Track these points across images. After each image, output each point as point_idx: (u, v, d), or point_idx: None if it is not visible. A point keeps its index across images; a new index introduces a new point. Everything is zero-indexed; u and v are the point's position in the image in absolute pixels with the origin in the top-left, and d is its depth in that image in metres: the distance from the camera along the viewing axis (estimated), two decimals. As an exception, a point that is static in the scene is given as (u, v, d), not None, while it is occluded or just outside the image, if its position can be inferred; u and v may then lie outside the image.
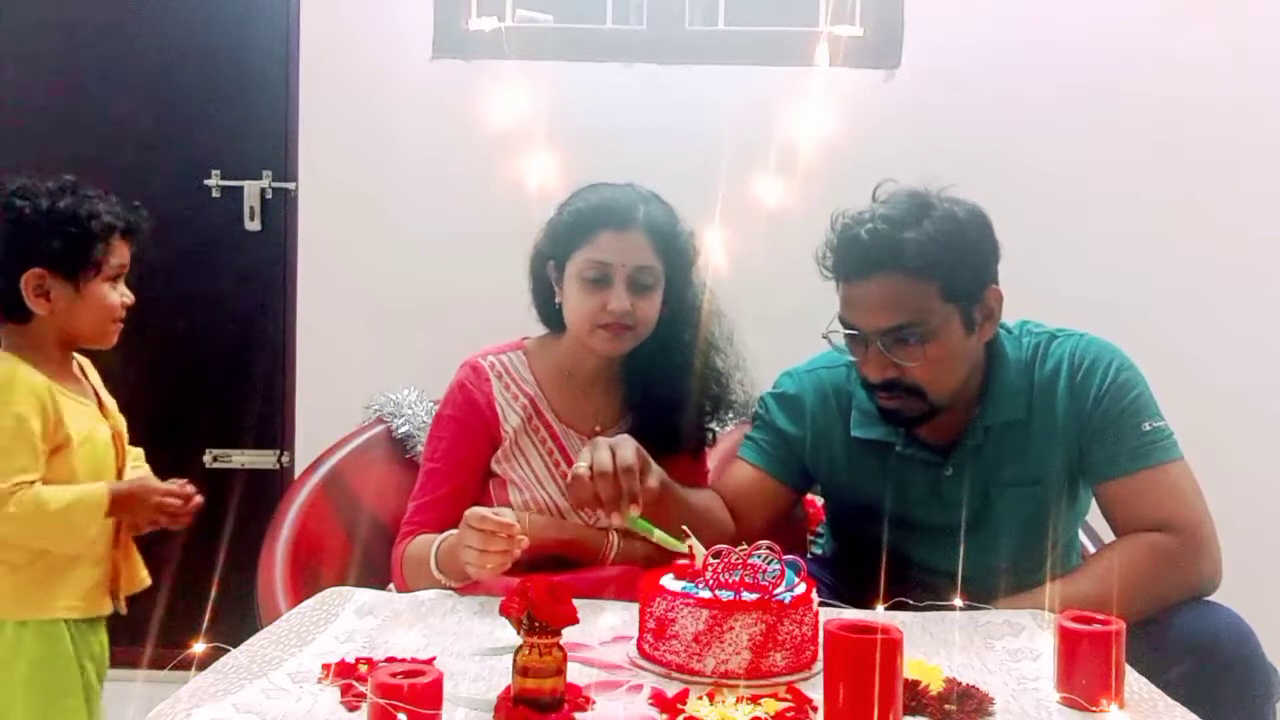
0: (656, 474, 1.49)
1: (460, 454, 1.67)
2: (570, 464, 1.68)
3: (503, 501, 1.66)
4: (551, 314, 1.73)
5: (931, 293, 1.50)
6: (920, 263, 1.48)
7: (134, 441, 1.85)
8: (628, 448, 1.45)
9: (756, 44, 2.58)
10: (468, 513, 1.42)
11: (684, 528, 1.36)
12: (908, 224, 1.50)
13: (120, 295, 1.70)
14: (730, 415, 1.82)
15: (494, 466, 1.68)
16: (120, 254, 1.68)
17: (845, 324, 1.56)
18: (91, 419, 1.71)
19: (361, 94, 2.60)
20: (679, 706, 1.07)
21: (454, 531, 1.50)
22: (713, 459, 1.85)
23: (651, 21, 2.60)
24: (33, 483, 1.57)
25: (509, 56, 2.49)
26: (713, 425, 1.78)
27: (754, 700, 1.08)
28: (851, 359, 1.60)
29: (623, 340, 1.62)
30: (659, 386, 1.69)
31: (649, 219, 1.62)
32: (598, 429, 1.72)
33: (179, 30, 2.74)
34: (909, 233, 1.49)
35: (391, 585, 1.64)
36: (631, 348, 1.64)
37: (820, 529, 1.95)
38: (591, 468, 1.42)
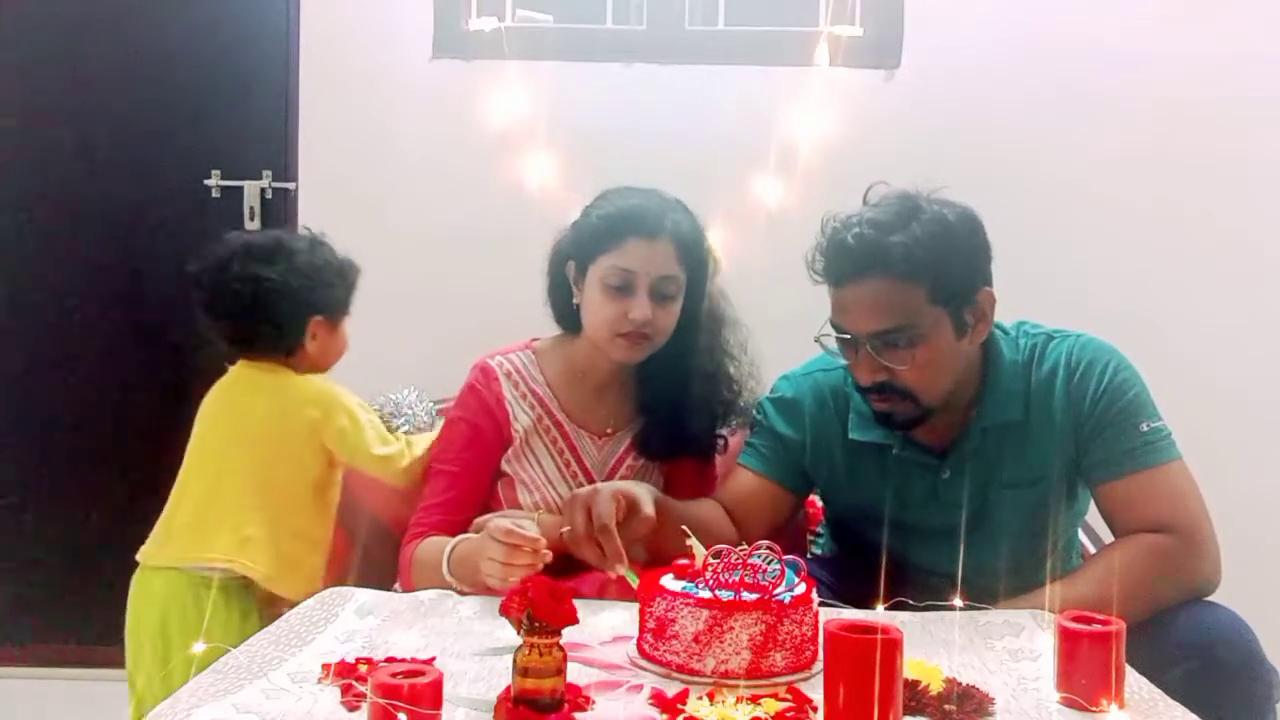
0: (648, 501, 1.46)
1: (471, 456, 1.67)
2: (581, 465, 1.68)
3: (512, 501, 1.66)
4: (567, 314, 1.72)
5: (919, 296, 1.50)
6: (906, 266, 1.48)
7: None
8: (605, 504, 1.41)
9: (756, 44, 2.58)
10: (491, 525, 1.41)
11: (683, 528, 1.36)
12: (895, 228, 1.49)
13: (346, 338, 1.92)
14: (739, 420, 1.81)
15: (504, 466, 1.68)
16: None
17: (836, 327, 1.56)
18: None
19: (361, 94, 2.60)
20: (679, 706, 1.07)
21: (466, 536, 1.50)
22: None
23: (651, 21, 2.60)
24: (401, 454, 1.79)
25: (509, 56, 2.49)
26: (723, 432, 1.77)
27: (754, 700, 1.08)
28: (843, 362, 1.60)
29: (640, 349, 1.62)
30: (672, 391, 1.69)
31: (676, 228, 1.62)
32: (609, 430, 1.72)
33: (179, 30, 2.74)
34: (895, 236, 1.49)
35: (397, 585, 1.63)
36: (648, 355, 1.64)
37: (820, 529, 1.95)
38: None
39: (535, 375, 1.72)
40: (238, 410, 1.81)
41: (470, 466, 1.67)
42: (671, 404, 1.69)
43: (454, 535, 1.58)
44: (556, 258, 1.72)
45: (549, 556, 1.38)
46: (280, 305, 1.78)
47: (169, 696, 1.07)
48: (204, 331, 1.83)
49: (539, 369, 1.72)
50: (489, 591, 1.44)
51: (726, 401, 1.73)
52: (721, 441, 1.78)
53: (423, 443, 1.82)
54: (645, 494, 1.47)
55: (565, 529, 1.42)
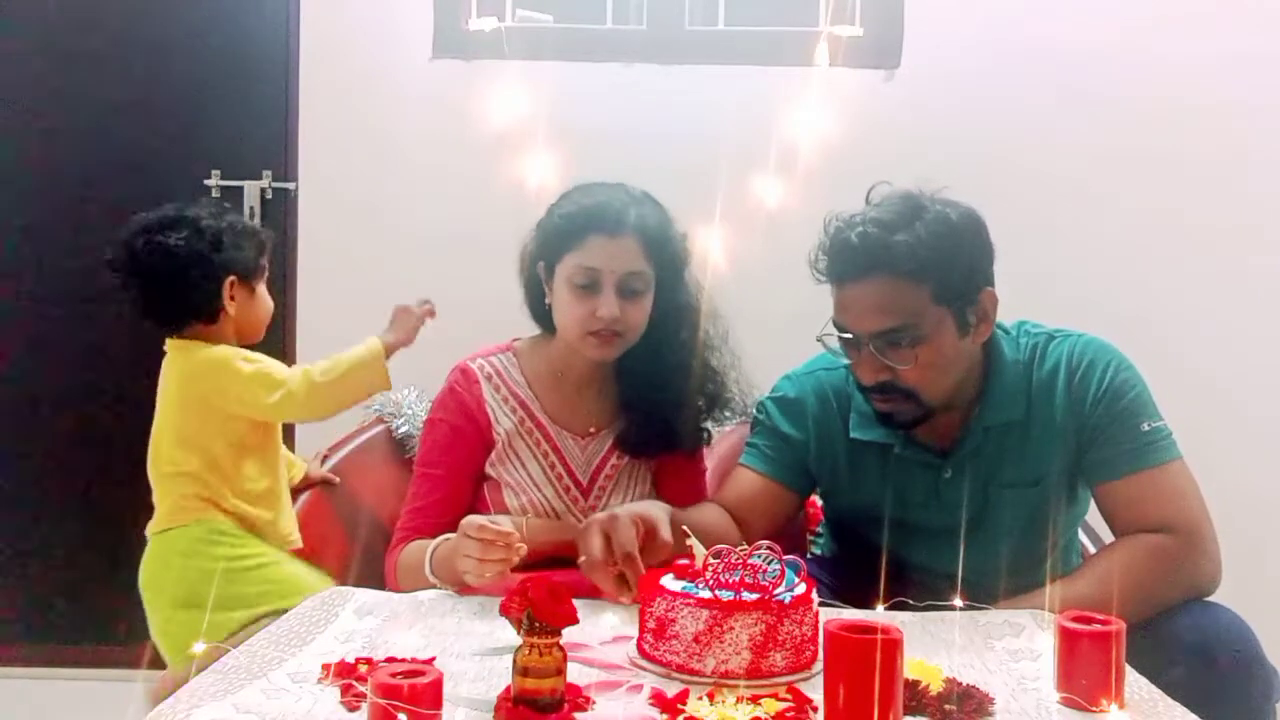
0: (665, 523, 1.43)
1: (453, 458, 1.67)
2: (566, 465, 1.68)
3: (498, 504, 1.65)
4: (543, 314, 1.72)
5: (923, 295, 1.49)
6: (911, 265, 1.48)
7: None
8: (625, 530, 1.38)
9: (756, 44, 2.59)
10: (464, 521, 1.40)
11: (684, 527, 1.36)
12: (899, 227, 1.49)
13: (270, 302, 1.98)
14: (728, 415, 1.80)
15: (488, 470, 1.68)
16: (267, 261, 1.96)
17: (838, 327, 1.56)
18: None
19: (361, 94, 2.60)
20: (679, 706, 1.07)
21: (449, 537, 1.49)
22: (709, 459, 1.84)
23: (651, 21, 2.60)
24: (287, 379, 1.81)
25: (509, 56, 2.49)
26: (708, 425, 1.77)
27: (754, 700, 1.08)
28: (845, 362, 1.60)
29: (612, 346, 1.61)
30: (653, 387, 1.68)
31: (640, 223, 1.60)
32: (592, 430, 1.71)
33: (179, 30, 2.74)
34: (900, 235, 1.49)
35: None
36: (621, 352, 1.64)
37: (820, 529, 1.95)
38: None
39: (516, 377, 1.71)
40: (161, 387, 1.88)
41: (453, 469, 1.66)
42: (653, 400, 1.68)
43: (423, 536, 1.58)
44: (527, 259, 1.71)
45: (523, 550, 1.37)
46: (190, 268, 1.82)
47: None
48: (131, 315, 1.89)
49: (519, 370, 1.72)
50: (470, 591, 1.44)
51: (709, 394, 1.72)
52: (706, 434, 1.77)
53: (323, 365, 1.83)
54: (662, 515, 1.45)
55: (582, 559, 1.40)
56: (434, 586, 1.50)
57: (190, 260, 1.82)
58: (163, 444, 1.85)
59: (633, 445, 1.71)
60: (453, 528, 1.50)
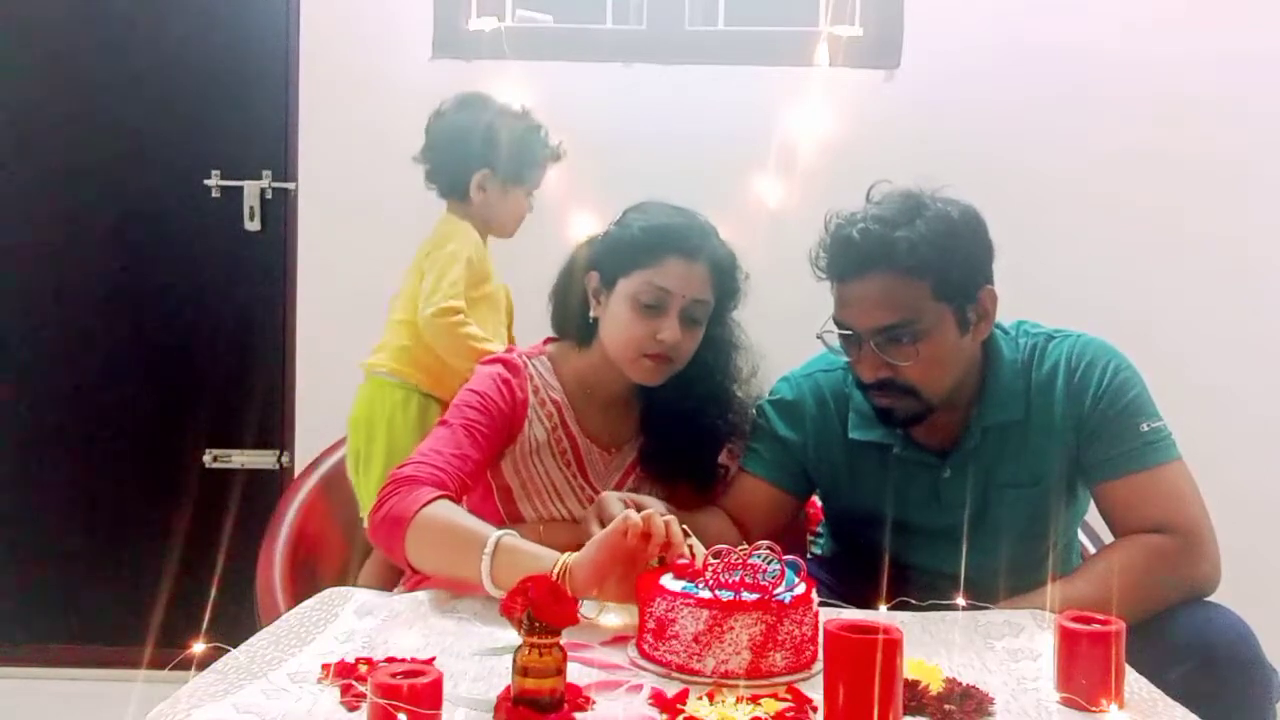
0: (658, 502, 1.44)
1: (487, 428, 1.59)
2: (586, 478, 1.66)
3: (510, 512, 1.63)
4: (575, 326, 1.67)
5: (923, 292, 1.50)
6: (911, 262, 1.48)
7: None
8: (615, 507, 1.39)
9: (756, 44, 2.59)
10: (623, 518, 1.30)
11: (684, 527, 1.36)
12: (899, 224, 1.50)
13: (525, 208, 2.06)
14: (735, 441, 1.76)
15: (507, 476, 1.64)
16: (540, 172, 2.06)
17: (839, 324, 1.56)
18: (496, 278, 2.05)
19: (361, 94, 2.60)
20: (679, 706, 1.07)
21: (508, 531, 1.38)
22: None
23: (651, 21, 2.61)
24: (458, 311, 1.88)
25: (509, 56, 2.49)
26: (724, 461, 1.73)
27: (754, 700, 1.08)
28: (846, 360, 1.60)
29: (662, 372, 1.59)
30: (677, 411, 1.65)
31: (714, 252, 1.59)
32: (616, 445, 1.69)
33: (179, 30, 2.74)
34: (900, 232, 1.49)
35: (400, 586, 1.61)
36: (666, 379, 1.60)
37: (820, 529, 1.95)
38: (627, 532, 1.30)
39: (553, 384, 1.67)
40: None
41: (487, 435, 1.58)
42: (678, 424, 1.65)
43: (451, 492, 1.47)
44: (576, 268, 1.66)
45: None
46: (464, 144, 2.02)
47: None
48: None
49: (555, 376, 1.68)
50: (478, 588, 1.39)
51: (731, 424, 1.70)
52: (723, 471, 1.74)
53: (477, 337, 1.86)
54: (654, 500, 1.46)
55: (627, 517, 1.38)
56: (472, 578, 1.36)
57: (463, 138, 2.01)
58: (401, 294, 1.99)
59: (654, 465, 1.68)
60: (465, 490, 1.48)
